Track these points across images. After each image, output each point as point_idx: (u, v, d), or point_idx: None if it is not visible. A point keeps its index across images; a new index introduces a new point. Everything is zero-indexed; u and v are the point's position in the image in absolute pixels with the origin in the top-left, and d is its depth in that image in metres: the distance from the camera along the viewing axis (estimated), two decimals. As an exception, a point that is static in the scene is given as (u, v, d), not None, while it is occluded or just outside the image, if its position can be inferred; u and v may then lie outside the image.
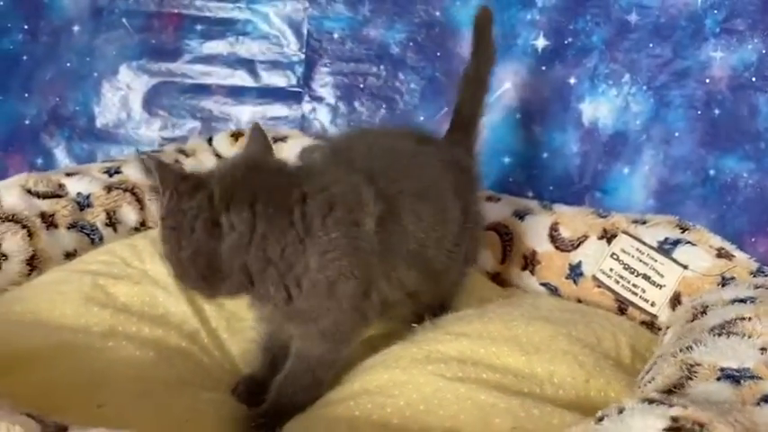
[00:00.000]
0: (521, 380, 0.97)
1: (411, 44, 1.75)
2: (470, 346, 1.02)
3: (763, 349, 0.81)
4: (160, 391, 0.98)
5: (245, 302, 1.16)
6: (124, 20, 1.85)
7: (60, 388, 0.93)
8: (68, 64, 1.88)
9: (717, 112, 1.61)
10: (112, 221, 1.43)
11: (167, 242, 0.90)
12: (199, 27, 1.84)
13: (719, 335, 0.88)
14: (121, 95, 1.87)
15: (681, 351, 0.87)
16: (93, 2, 1.86)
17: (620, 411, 0.68)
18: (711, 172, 1.62)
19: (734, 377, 0.76)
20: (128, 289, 1.17)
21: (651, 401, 0.68)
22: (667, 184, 1.64)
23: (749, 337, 0.85)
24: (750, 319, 0.90)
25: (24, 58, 1.88)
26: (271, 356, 1.07)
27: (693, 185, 1.63)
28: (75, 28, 1.87)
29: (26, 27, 1.88)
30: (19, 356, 0.98)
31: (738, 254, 1.27)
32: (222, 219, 0.87)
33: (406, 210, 1.02)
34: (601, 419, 0.69)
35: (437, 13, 1.74)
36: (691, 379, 0.78)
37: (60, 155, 1.89)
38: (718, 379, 0.76)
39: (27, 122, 1.89)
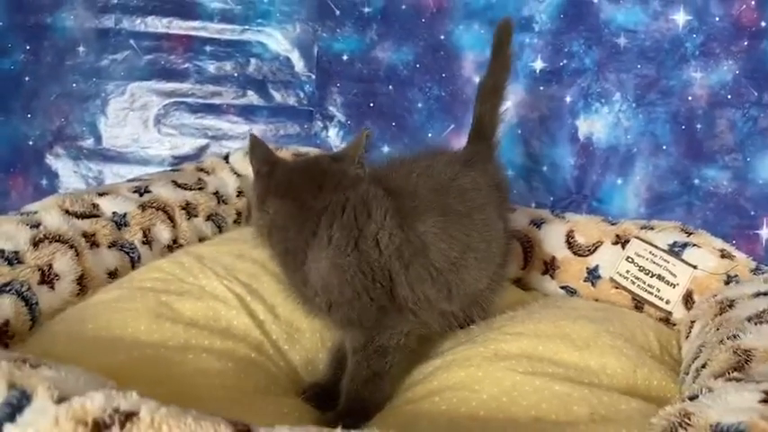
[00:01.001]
0: (580, 372, 1.07)
1: (417, 66, 1.85)
2: (530, 344, 1.11)
3: (804, 332, 0.94)
4: (246, 399, 1.03)
5: (302, 314, 1.24)
6: (131, 41, 1.87)
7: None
8: (74, 84, 1.89)
9: (698, 126, 1.79)
10: (148, 239, 1.46)
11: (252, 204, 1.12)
12: (208, 48, 1.88)
13: (759, 323, 1.00)
14: (130, 115, 1.89)
15: (728, 339, 0.99)
16: (98, 23, 1.87)
17: (711, 390, 0.79)
18: (696, 181, 1.79)
19: (790, 357, 0.88)
20: (191, 304, 1.20)
21: (737, 380, 0.79)
22: (657, 192, 1.80)
23: (788, 323, 0.98)
24: (782, 308, 1.03)
25: (26, 78, 1.88)
26: (336, 363, 1.13)
27: (680, 194, 1.80)
28: (81, 48, 1.88)
29: (28, 47, 1.88)
30: (105, 372, 1.01)
31: (738, 254, 1.42)
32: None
33: (434, 228, 1.08)
34: (693, 398, 0.80)
35: (441, 37, 1.85)
36: (749, 362, 0.90)
37: (66, 175, 1.89)
38: (776, 360, 0.89)
39: (30, 143, 1.88)
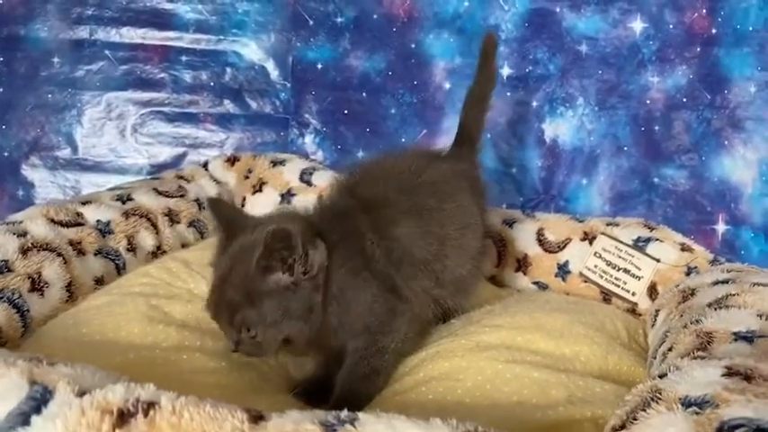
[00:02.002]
0: (556, 360, 1.14)
1: (390, 73, 1.91)
2: (508, 335, 1.18)
3: (759, 315, 1.02)
4: (242, 397, 1.07)
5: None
6: (107, 51, 1.89)
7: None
8: (49, 95, 1.90)
9: (657, 128, 1.89)
10: (132, 246, 1.48)
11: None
12: (184, 58, 1.91)
13: (718, 308, 1.09)
14: (107, 125, 1.91)
15: (690, 323, 1.07)
16: (72, 34, 1.89)
17: (678, 368, 0.87)
18: (655, 180, 1.89)
19: (746, 338, 0.96)
20: (181, 307, 1.24)
21: (701, 358, 0.87)
22: (620, 191, 1.90)
23: (744, 307, 1.06)
24: (738, 294, 1.12)
25: (1, 89, 1.88)
26: (325, 361, 1.18)
27: (641, 192, 1.90)
28: (55, 59, 1.89)
29: (1, 59, 1.88)
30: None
31: (697, 247, 1.52)
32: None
33: (410, 229, 1.17)
34: (662, 376, 0.87)
35: (412, 46, 1.91)
36: (711, 343, 0.98)
37: (42, 186, 1.90)
38: (735, 340, 0.97)
39: (6, 154, 1.89)
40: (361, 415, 0.69)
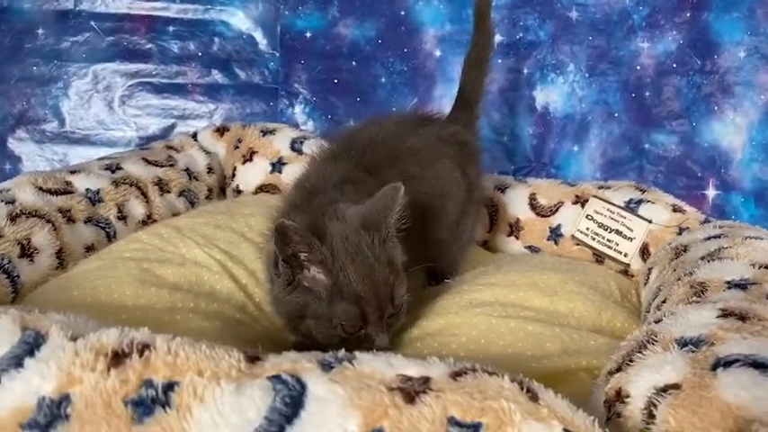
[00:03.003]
0: (551, 315, 1.15)
1: (380, 41, 1.89)
2: (501, 292, 1.18)
3: (752, 265, 1.03)
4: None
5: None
6: (93, 22, 1.87)
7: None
8: (34, 68, 1.87)
9: (647, 94, 1.89)
10: (123, 215, 1.47)
11: None
12: (171, 28, 1.89)
13: (711, 260, 1.09)
14: (94, 97, 1.89)
15: (684, 275, 1.07)
16: (57, 4, 1.86)
17: (673, 313, 0.87)
18: (646, 146, 1.89)
19: (740, 285, 0.96)
20: (174, 270, 1.23)
21: (696, 303, 0.87)
22: (611, 157, 1.90)
23: (737, 259, 1.07)
24: (731, 247, 1.12)
25: (-16, 62, 1.86)
26: None
27: (632, 158, 1.90)
28: (40, 31, 1.86)
29: (-17, 31, 1.85)
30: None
31: (688, 208, 1.52)
32: None
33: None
34: (658, 321, 0.88)
35: (402, 13, 1.90)
36: (704, 292, 0.98)
37: (30, 159, 1.88)
38: (728, 288, 0.97)
39: (-9, 128, 1.86)
40: (358, 354, 0.69)
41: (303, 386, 0.63)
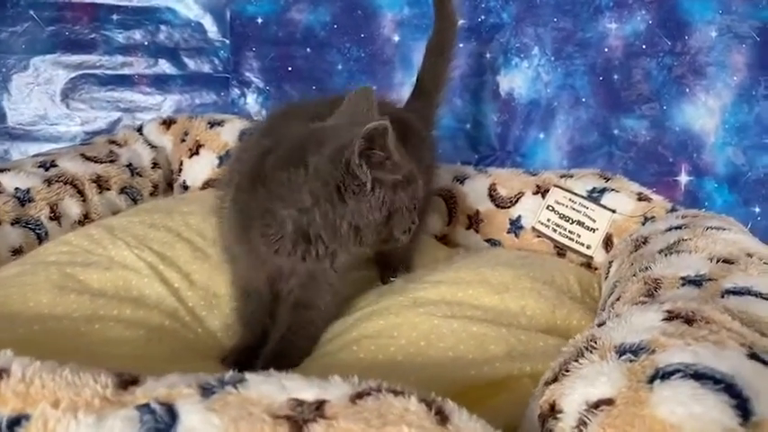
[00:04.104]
0: (499, 314, 1.07)
1: (335, 26, 1.81)
2: (449, 290, 1.11)
3: (710, 259, 0.95)
4: (157, 366, 0.98)
5: (219, 279, 1.20)
6: (32, 12, 1.77)
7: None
8: (-29, 61, 1.78)
9: (615, 77, 1.81)
10: (56, 215, 1.39)
11: None
12: (115, 17, 1.80)
13: (669, 254, 1.02)
14: (35, 91, 1.79)
15: (640, 271, 1.00)
16: (-7, -7, 1.77)
17: (618, 315, 0.80)
18: (615, 131, 1.82)
19: (695, 282, 0.89)
20: (99, 275, 1.15)
21: (642, 303, 0.79)
22: (578, 144, 1.82)
23: (695, 252, 0.99)
24: (690, 239, 1.05)
25: None
26: (260, 327, 1.10)
27: (601, 144, 1.82)
28: (-25, 22, 1.77)
29: None
30: (5, 346, 0.96)
31: (654, 196, 1.44)
32: None
33: None
34: (601, 324, 0.80)
35: (358, -4, 1.81)
36: (658, 289, 0.91)
37: (-31, 157, 1.78)
38: (682, 285, 0.90)
39: (-73, 125, 1.77)
40: (248, 376, 0.61)
41: (174, 416, 0.55)
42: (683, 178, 1.80)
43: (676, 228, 1.15)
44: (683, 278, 0.92)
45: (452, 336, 0.98)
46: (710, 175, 1.79)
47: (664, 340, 0.69)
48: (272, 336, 1.06)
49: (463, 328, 1.00)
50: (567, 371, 0.72)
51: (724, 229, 1.08)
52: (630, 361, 0.67)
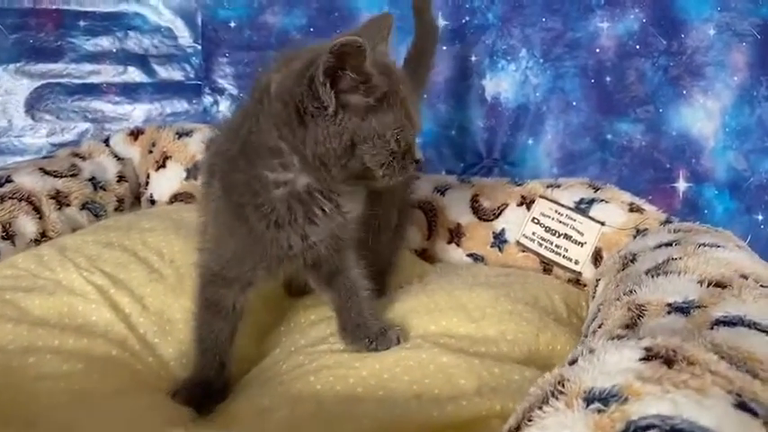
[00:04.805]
0: (474, 343, 0.99)
1: (311, 30, 1.72)
2: (420, 322, 1.03)
3: (700, 282, 0.86)
4: (96, 402, 0.91)
5: (175, 303, 1.11)
6: (-6, 19, 1.70)
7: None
8: (-70, 71, 1.70)
9: (608, 79, 1.71)
10: (9, 234, 1.30)
11: None
12: (82, 23, 1.72)
13: (656, 275, 0.92)
14: (-1, 102, 1.72)
15: (624, 294, 0.91)
16: (-47, 1, 1.69)
17: (591, 351, 0.70)
18: (608, 136, 1.72)
19: (682, 309, 0.80)
20: (42, 301, 1.07)
21: (619, 337, 0.70)
22: (569, 150, 1.73)
23: (684, 273, 0.90)
24: (681, 258, 0.95)
25: None
26: (220, 354, 1.01)
27: (593, 150, 1.72)
28: (-64, 30, 1.69)
29: None
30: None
31: (648, 207, 1.35)
32: None
33: None
34: (573, 362, 0.71)
35: (335, -2, 1.72)
36: (642, 317, 0.82)
37: (-70, 171, 1.70)
38: (669, 313, 0.80)
39: None
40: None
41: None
42: (682, 185, 1.70)
43: (666, 244, 1.06)
44: (669, 305, 0.82)
45: (419, 368, 0.90)
46: (710, 182, 1.69)
47: (638, 386, 0.59)
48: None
49: (432, 359, 0.92)
50: (530, 420, 0.63)
51: (718, 247, 0.99)
52: (599, 411, 0.58)
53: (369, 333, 0.97)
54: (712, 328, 0.73)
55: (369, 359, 0.93)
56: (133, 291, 1.13)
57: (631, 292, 0.91)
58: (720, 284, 0.84)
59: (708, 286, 0.85)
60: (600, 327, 0.90)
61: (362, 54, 0.80)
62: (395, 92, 0.86)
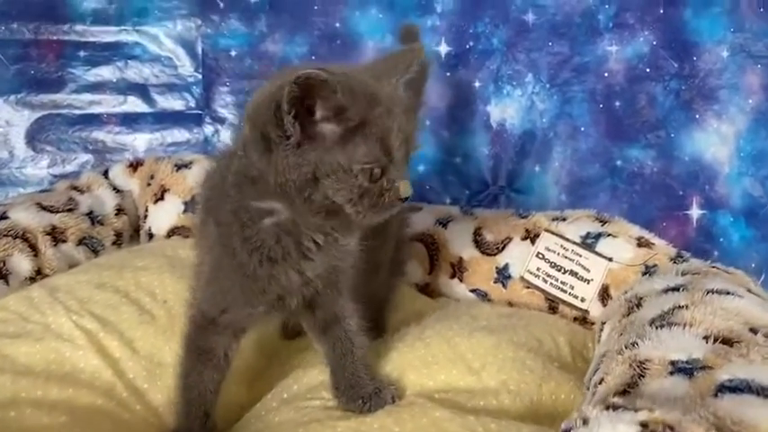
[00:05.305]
0: (472, 396, 0.95)
1: (313, 57, 1.69)
2: (417, 378, 0.99)
3: (706, 338, 0.81)
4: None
5: (165, 347, 1.09)
6: (-4, 50, 1.69)
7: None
8: (-67, 103, 1.70)
9: (617, 104, 1.67)
10: (3, 273, 1.29)
11: None
12: (82, 53, 1.71)
13: (661, 326, 0.88)
14: (0, 133, 1.71)
15: (626, 348, 0.86)
16: (-45, 33, 1.69)
17: (585, 422, 0.66)
18: (618, 162, 1.67)
19: (686, 370, 0.75)
20: (28, 347, 1.05)
21: (615, 407, 0.66)
22: (578, 177, 1.68)
23: (690, 326, 0.85)
24: (687, 307, 0.91)
25: None
26: (206, 404, 0.98)
27: (603, 177, 1.68)
28: (-63, 62, 1.69)
29: None
30: None
31: (657, 241, 1.30)
32: None
33: None
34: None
35: (337, 25, 1.70)
36: (643, 376, 0.77)
37: (-69, 204, 1.70)
38: (671, 373, 0.76)
39: None
40: None
41: None
42: (695, 212, 1.65)
43: (674, 289, 1.01)
44: (672, 363, 0.77)
45: (411, 421, 0.87)
46: (725, 209, 1.64)
47: (631, 473, 0.55)
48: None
49: (424, 412, 0.88)
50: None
51: (728, 294, 0.93)
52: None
53: (363, 393, 0.93)
54: (716, 395, 0.68)
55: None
56: (123, 333, 1.10)
57: (634, 344, 0.86)
58: (728, 341, 0.80)
59: (714, 342, 0.80)
60: (601, 382, 0.85)
61: (327, 87, 0.75)
62: (373, 123, 0.80)
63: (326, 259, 0.90)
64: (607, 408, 0.67)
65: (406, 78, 0.89)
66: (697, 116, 1.64)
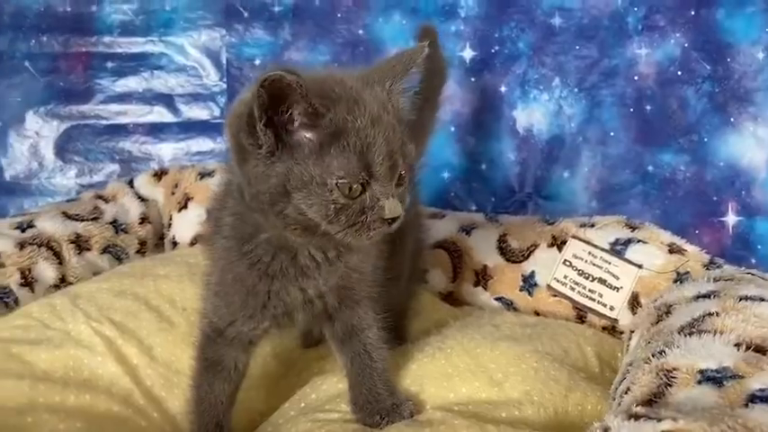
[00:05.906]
0: (496, 407, 0.92)
1: (336, 65, 1.69)
2: (437, 391, 0.96)
3: (737, 345, 0.77)
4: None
5: (184, 354, 1.08)
6: (27, 63, 1.73)
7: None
8: (-34, 114, 1.74)
9: (648, 108, 1.62)
10: (28, 281, 1.30)
11: None
12: (109, 64, 1.73)
13: (690, 334, 0.84)
14: (31, 144, 1.74)
15: (654, 356, 0.82)
16: (-10, 46, 1.73)
17: (606, 431, 0.63)
18: (650, 168, 1.62)
19: (715, 379, 0.71)
20: (48, 354, 1.05)
21: (637, 417, 0.62)
22: (608, 183, 1.64)
23: (721, 333, 0.81)
24: (718, 314, 0.86)
25: None
26: (215, 419, 0.96)
27: (634, 183, 1.63)
28: (-33, 73, 1.73)
29: None
30: None
31: (689, 247, 1.25)
32: None
33: None
34: (586, 445, 0.63)
35: (360, 32, 1.69)
36: (670, 386, 0.73)
37: (-36, 213, 1.73)
38: (699, 382, 0.72)
39: None
40: None
41: None
42: (731, 219, 1.59)
43: (705, 296, 0.96)
44: (701, 371, 0.73)
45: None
46: (762, 215, 1.58)
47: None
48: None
49: (443, 419, 0.85)
50: None
51: (762, 300, 0.89)
52: None
53: (381, 409, 0.90)
54: (747, 405, 0.64)
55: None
56: (142, 341, 1.10)
57: (662, 353, 0.82)
58: (760, 349, 0.75)
59: (746, 350, 0.75)
60: (627, 391, 0.81)
61: (293, 89, 0.70)
62: (351, 132, 0.73)
63: (331, 276, 0.87)
64: (630, 417, 0.63)
65: (405, 81, 0.83)
66: (732, 119, 1.59)
